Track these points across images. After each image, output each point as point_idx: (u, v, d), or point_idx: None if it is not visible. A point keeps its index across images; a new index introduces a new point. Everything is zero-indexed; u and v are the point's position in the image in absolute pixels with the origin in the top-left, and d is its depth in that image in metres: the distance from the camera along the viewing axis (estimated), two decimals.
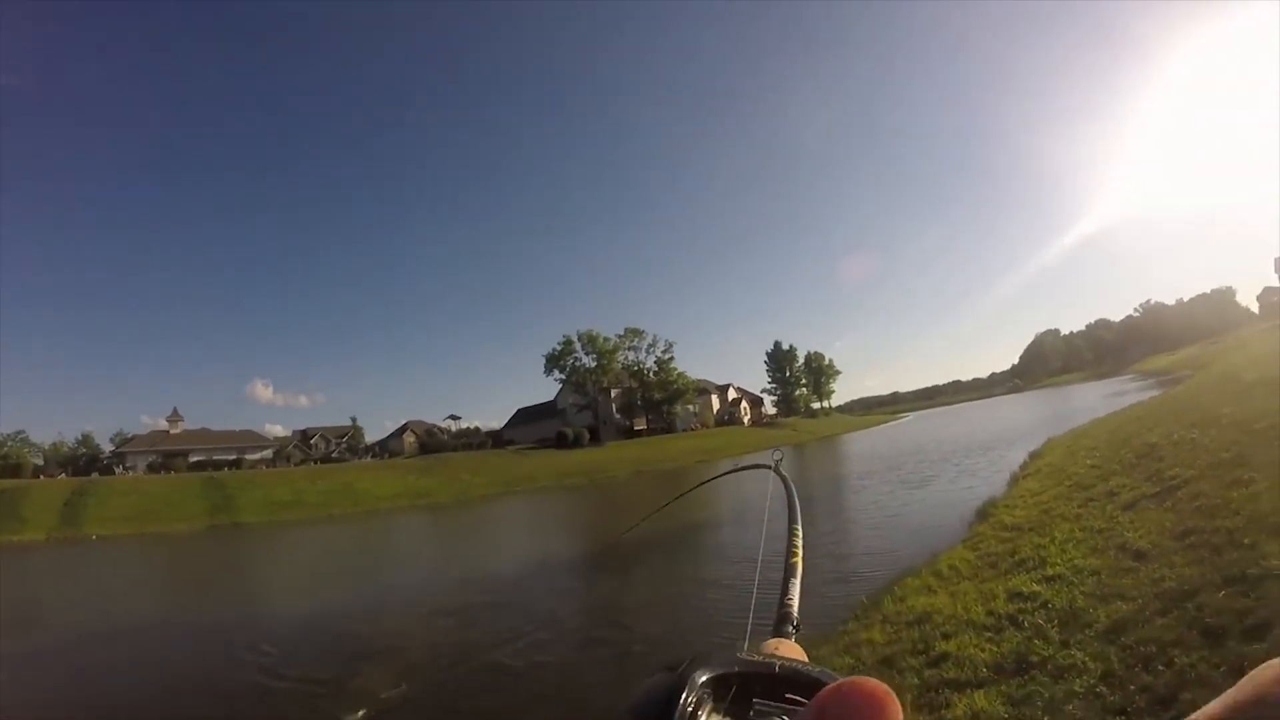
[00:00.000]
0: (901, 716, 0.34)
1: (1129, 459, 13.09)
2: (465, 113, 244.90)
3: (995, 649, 6.16)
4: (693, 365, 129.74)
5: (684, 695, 0.40)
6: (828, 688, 0.36)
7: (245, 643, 12.78)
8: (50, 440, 74.51)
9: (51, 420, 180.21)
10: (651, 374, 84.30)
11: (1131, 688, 4.77)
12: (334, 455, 79.20)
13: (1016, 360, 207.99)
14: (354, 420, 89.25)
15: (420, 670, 10.04)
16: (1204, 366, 46.38)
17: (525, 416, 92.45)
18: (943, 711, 5.24)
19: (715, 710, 0.42)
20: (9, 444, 69.87)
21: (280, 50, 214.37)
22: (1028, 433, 32.18)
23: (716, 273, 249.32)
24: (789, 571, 1.13)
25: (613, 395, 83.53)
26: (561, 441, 71.58)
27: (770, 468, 1.81)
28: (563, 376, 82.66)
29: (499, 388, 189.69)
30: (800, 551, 1.21)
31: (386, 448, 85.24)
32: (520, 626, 11.56)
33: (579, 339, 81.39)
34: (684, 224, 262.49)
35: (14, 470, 62.17)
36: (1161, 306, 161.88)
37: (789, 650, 0.73)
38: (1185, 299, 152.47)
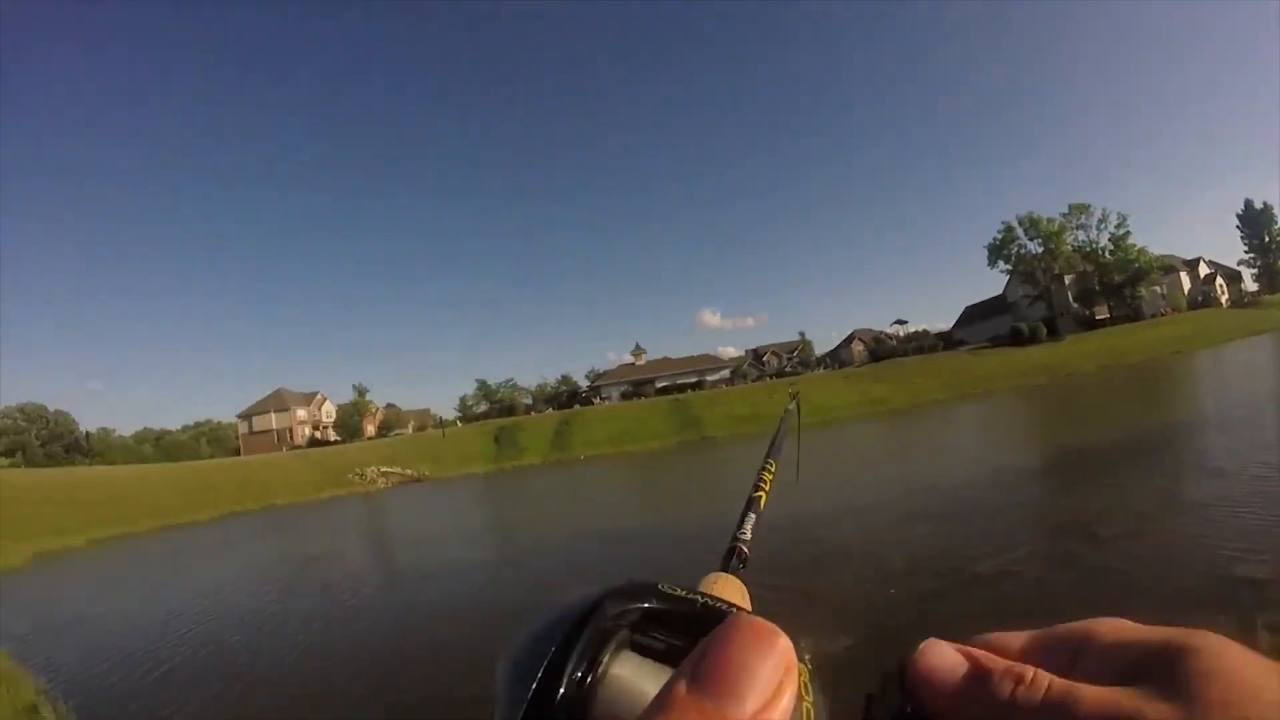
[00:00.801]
0: (793, 652, 0.32)
1: None
2: None
3: None
4: (1151, 239, 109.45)
5: (589, 623, 0.36)
6: (723, 622, 0.34)
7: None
8: (535, 383, 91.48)
9: (534, 367, 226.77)
10: (1107, 253, 71.81)
11: None
12: (786, 370, 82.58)
13: None
14: (802, 335, 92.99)
15: (896, 576, 9.34)
16: None
17: (974, 314, 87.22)
18: None
19: (624, 644, 0.38)
20: (502, 390, 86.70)
21: None
22: None
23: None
24: (749, 505, 0.95)
25: (1066, 282, 73.64)
26: (1016, 338, 65.63)
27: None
28: (1008, 267, 75.30)
29: (943, 287, 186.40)
30: (767, 487, 1.00)
31: (836, 358, 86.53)
32: (986, 538, 10.74)
33: (1019, 223, 72.86)
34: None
35: (509, 410, 77.03)
36: None
37: (729, 586, 0.68)
38: None
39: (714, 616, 0.39)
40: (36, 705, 7.37)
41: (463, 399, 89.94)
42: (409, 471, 51.35)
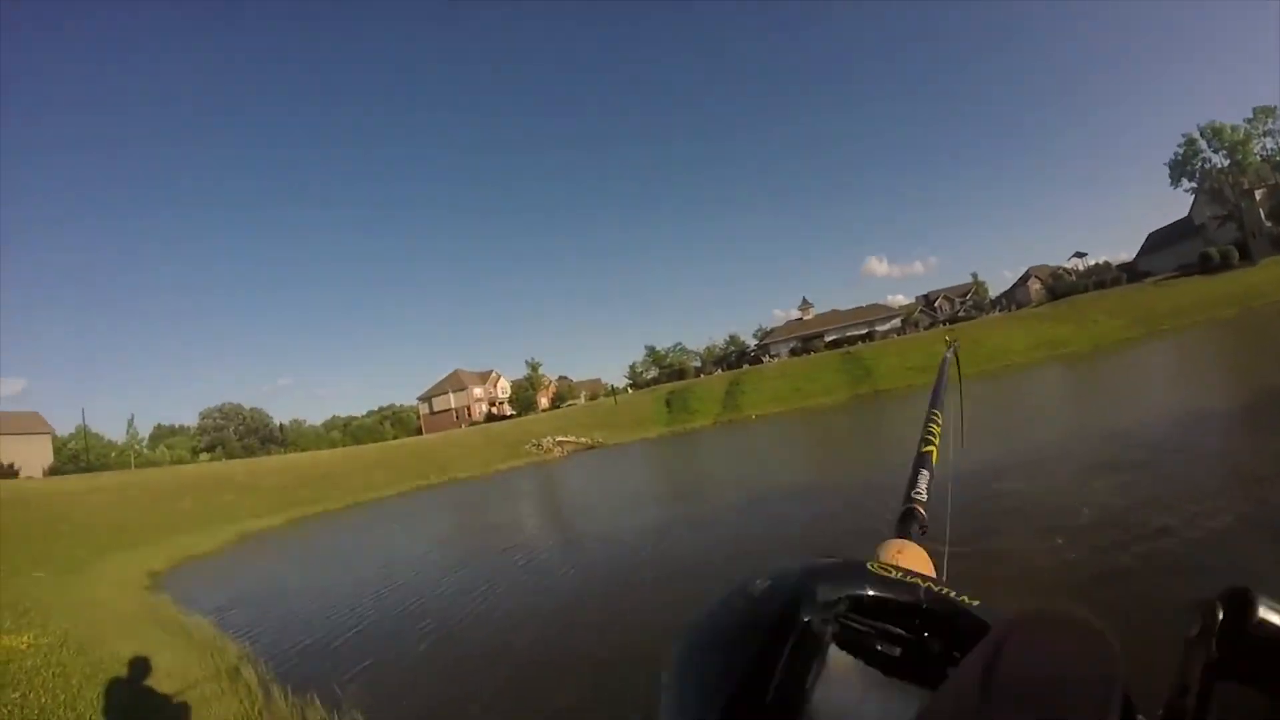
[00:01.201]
0: (1121, 661, 0.27)
1: None
2: None
3: None
4: None
5: (803, 617, 0.31)
6: (1010, 621, 0.28)
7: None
8: (703, 345, 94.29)
9: (702, 329, 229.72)
10: None
11: None
12: (960, 314, 79.70)
13: None
14: (974, 276, 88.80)
15: (1074, 530, 8.42)
16: None
17: (1159, 241, 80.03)
18: None
19: (833, 638, 0.32)
20: (670, 354, 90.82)
21: None
22: None
23: None
24: (920, 461, 0.94)
25: (1257, 198, 66.86)
26: (1205, 265, 61.62)
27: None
28: (1193, 185, 69.51)
29: (1124, 213, 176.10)
30: (936, 440, 0.99)
31: (1013, 298, 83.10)
32: (1165, 493, 9.42)
33: (1201, 134, 66.93)
34: None
35: (679, 374, 79.94)
36: None
37: (913, 557, 0.61)
38: None
39: (941, 607, 0.34)
40: (238, 667, 7.82)
41: (632, 366, 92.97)
42: (583, 439, 53.13)
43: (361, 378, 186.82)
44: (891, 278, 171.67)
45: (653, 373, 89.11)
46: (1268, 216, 66.57)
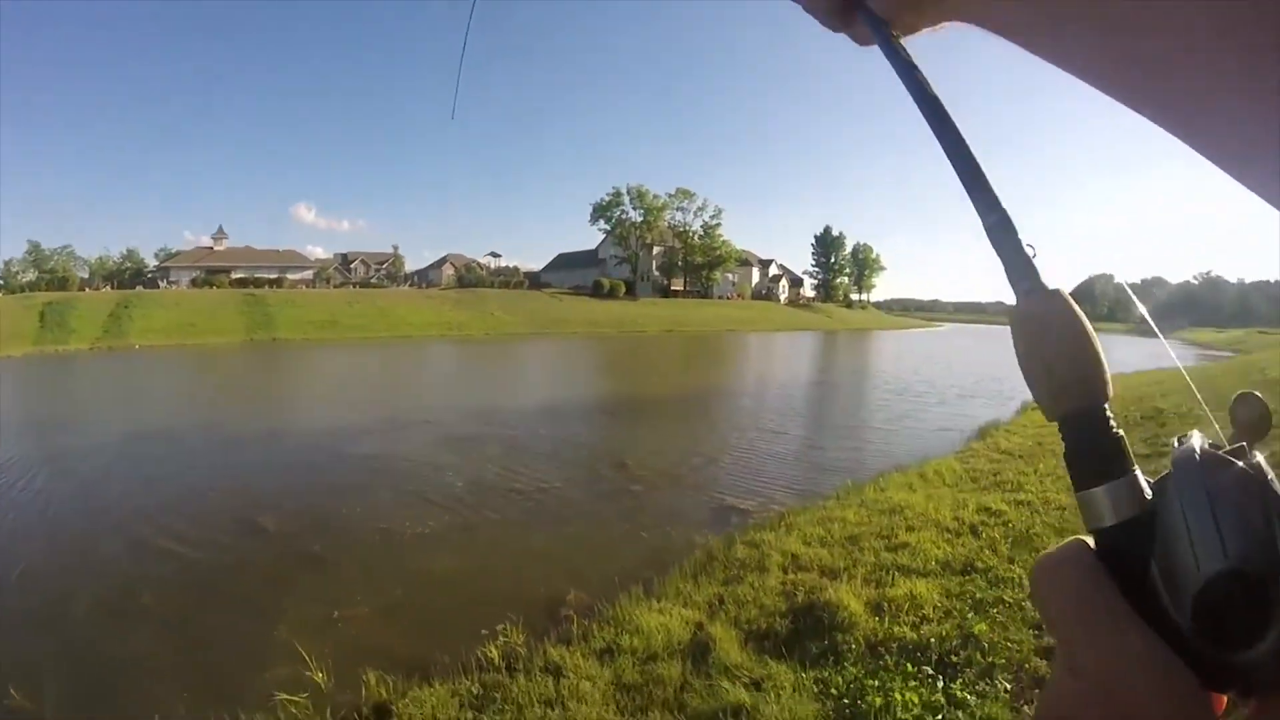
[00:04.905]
0: None
1: (1134, 418, 13.47)
2: None
3: (949, 549, 6.93)
4: (739, 235, 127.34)
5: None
6: None
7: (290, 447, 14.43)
8: (96, 255, 77.30)
9: (97, 238, 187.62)
10: (696, 237, 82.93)
11: None
12: (373, 281, 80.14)
13: None
14: (395, 248, 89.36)
15: (433, 489, 10.84)
16: (1247, 352, 45.00)
17: (565, 262, 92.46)
18: (885, 589, 5.96)
19: None
20: (55, 257, 72.96)
21: None
22: None
23: (782, 145, 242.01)
24: None
25: (654, 253, 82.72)
26: (597, 291, 71.94)
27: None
28: (607, 227, 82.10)
29: (542, 230, 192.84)
30: None
31: (425, 278, 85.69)
32: (533, 460, 12.57)
33: (628, 192, 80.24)
34: (747, 92, 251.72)
35: (61, 283, 64.65)
36: (1221, 281, 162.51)
37: None
38: (1246, 280, 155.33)
39: None
40: None
41: (7, 263, 73.08)
42: None
43: None
44: (317, 228, 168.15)
45: (30, 275, 69.71)
46: (657, 268, 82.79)
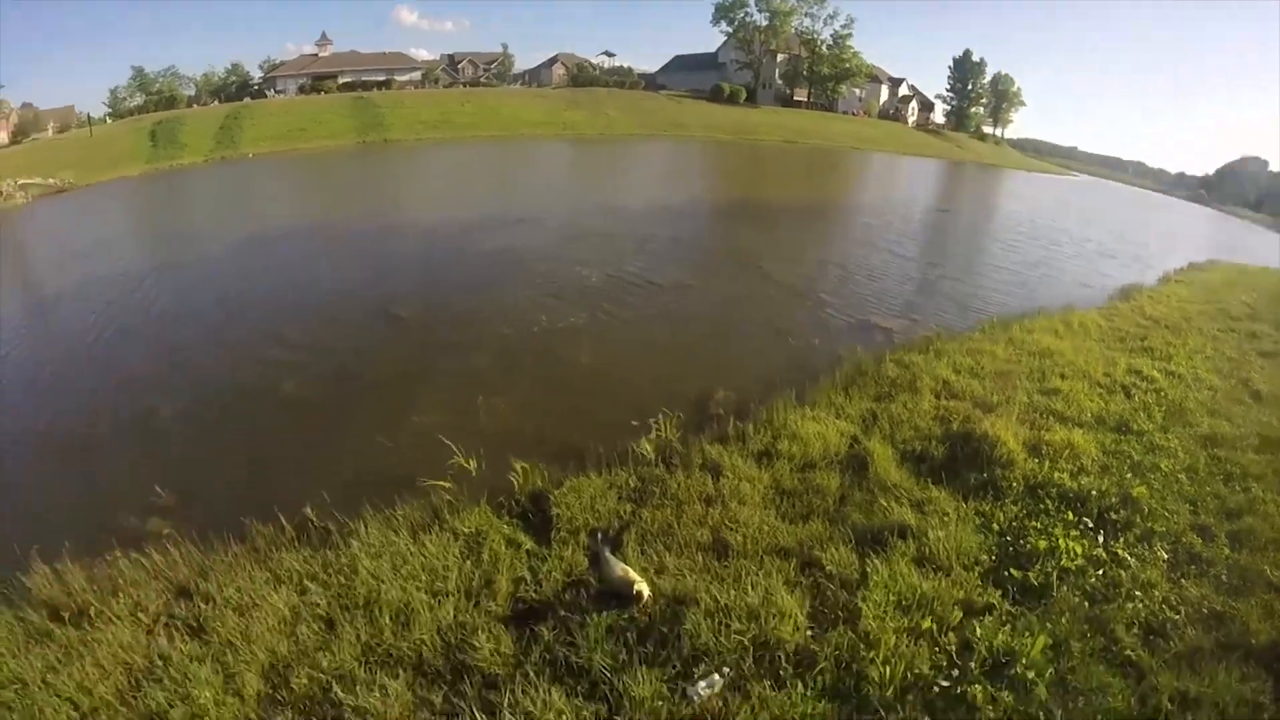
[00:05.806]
0: None
1: None
2: None
3: (1103, 404, 7.16)
4: (870, 49, 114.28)
5: None
6: None
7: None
8: (201, 72, 76.29)
9: (201, 55, 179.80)
10: (825, 47, 75.37)
11: (1207, 489, 5.59)
12: (481, 81, 78.05)
13: (1210, 172, 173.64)
14: (505, 47, 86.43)
15: (568, 285, 11.10)
16: None
17: (683, 64, 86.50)
18: (1042, 432, 6.19)
19: None
20: (161, 80, 72.17)
21: None
22: (1202, 247, 28.48)
23: None
24: None
25: (779, 60, 76.29)
26: (716, 95, 67.86)
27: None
28: (729, 29, 75.37)
29: (659, 32, 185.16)
30: None
31: (536, 78, 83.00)
32: (667, 259, 12.94)
33: None
34: None
35: (168, 103, 65.07)
36: None
37: None
38: None
39: None
40: None
41: (113, 91, 72.89)
42: (50, 181, 41.95)
43: None
44: (420, 29, 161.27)
45: (138, 100, 69.69)
46: (780, 76, 76.51)
